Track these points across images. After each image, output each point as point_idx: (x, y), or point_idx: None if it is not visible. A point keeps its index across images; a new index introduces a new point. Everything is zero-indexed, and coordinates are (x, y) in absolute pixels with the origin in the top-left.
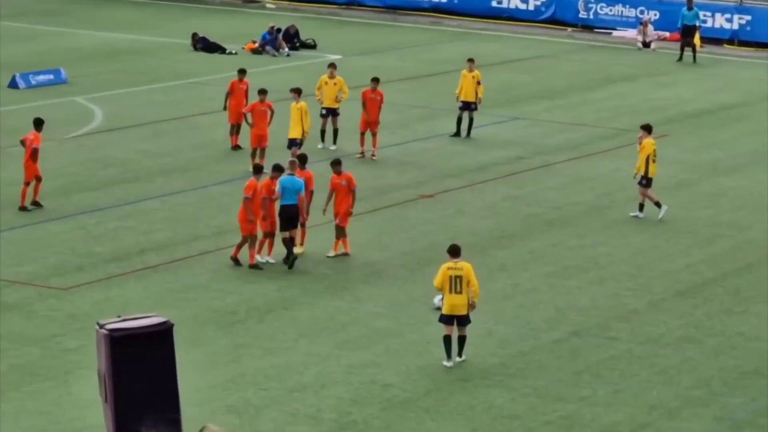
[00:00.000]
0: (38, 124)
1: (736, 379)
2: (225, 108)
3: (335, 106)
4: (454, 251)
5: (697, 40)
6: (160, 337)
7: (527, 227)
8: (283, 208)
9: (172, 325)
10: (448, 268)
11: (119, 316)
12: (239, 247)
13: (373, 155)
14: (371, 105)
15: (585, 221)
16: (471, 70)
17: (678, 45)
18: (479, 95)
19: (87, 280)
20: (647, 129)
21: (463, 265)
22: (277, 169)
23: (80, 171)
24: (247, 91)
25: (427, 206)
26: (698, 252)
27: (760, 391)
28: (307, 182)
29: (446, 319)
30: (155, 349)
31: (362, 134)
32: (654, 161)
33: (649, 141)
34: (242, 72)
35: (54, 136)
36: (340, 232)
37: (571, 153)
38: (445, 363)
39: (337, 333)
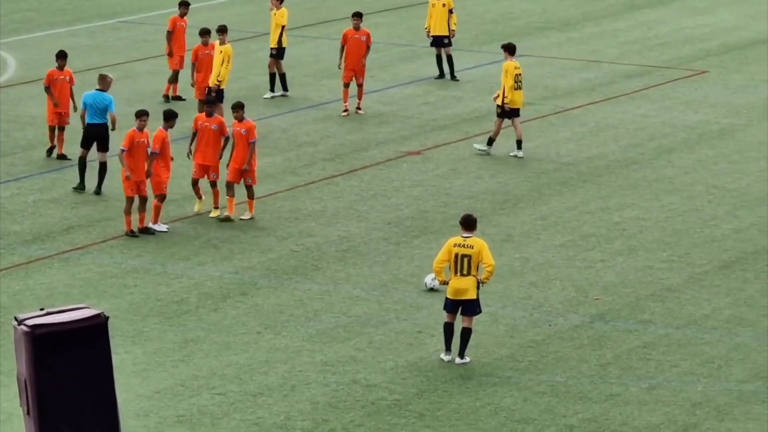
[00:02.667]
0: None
1: None
2: (170, 53)
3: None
4: (468, 223)
5: None
6: (93, 334)
7: (537, 188)
8: (88, 126)
9: (107, 319)
10: (455, 245)
11: (42, 309)
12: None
13: (358, 108)
14: (355, 48)
15: (608, 179)
16: None
17: None
18: (452, 27)
19: (1, 266)
20: (509, 49)
21: (475, 242)
22: (170, 117)
23: None
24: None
25: (414, 165)
26: (748, 215)
27: None
28: (221, 127)
29: (450, 306)
30: (87, 349)
31: (346, 86)
32: (520, 88)
33: (511, 64)
34: (184, 5)
35: None
36: (249, 191)
37: (589, 96)
38: (443, 356)
39: (309, 323)
